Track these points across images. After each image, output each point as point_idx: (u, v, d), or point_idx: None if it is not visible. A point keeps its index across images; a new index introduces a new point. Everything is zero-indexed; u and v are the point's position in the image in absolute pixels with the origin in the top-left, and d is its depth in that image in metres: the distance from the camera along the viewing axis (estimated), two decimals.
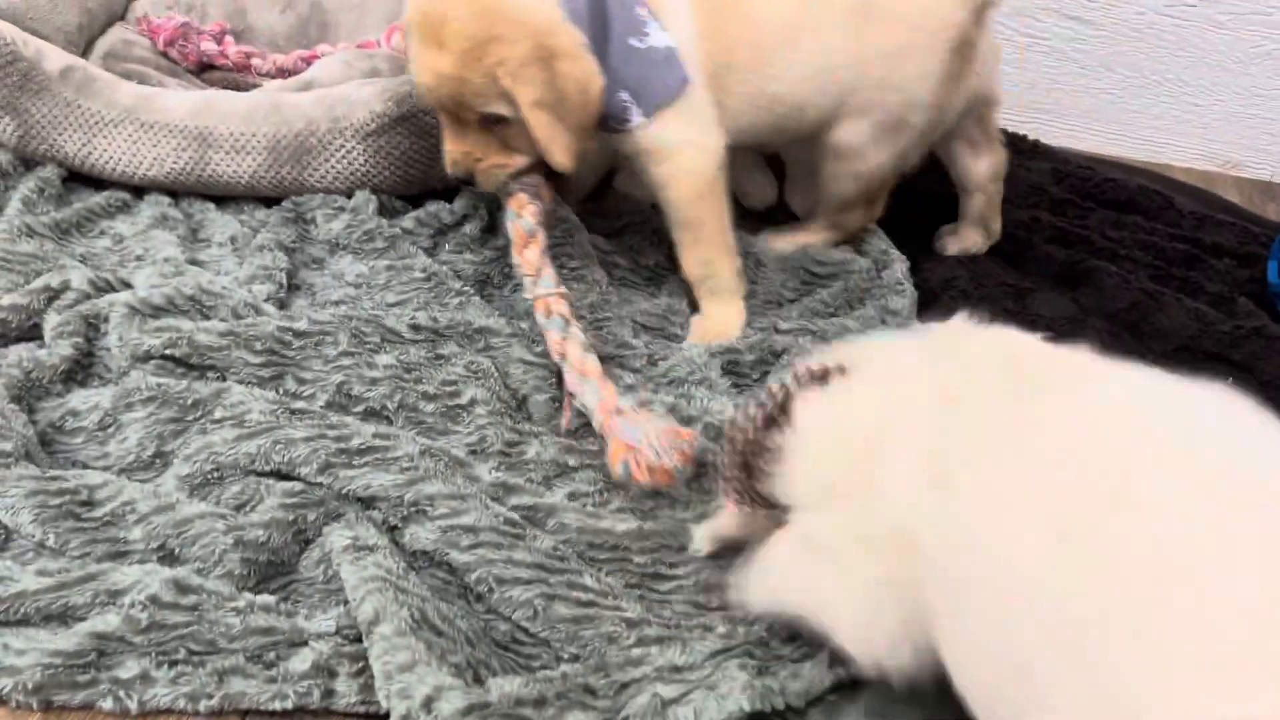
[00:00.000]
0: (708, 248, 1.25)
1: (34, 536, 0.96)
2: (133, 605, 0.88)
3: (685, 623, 0.93)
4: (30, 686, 0.83)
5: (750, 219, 1.47)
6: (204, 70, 1.65)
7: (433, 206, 1.38)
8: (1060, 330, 1.31)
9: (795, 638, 0.89)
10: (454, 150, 1.20)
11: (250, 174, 1.38)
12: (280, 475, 1.01)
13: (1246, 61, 1.68)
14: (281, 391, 1.10)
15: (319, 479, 1.00)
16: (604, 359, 1.16)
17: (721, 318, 1.27)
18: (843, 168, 1.31)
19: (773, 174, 1.55)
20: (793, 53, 1.21)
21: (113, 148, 1.39)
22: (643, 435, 1.01)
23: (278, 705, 0.85)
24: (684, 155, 1.21)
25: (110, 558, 0.95)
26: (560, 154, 1.15)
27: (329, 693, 0.86)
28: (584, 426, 1.11)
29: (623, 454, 1.01)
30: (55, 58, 1.41)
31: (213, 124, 1.37)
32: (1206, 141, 1.76)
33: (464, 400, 1.12)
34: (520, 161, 1.20)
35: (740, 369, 1.24)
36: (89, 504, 0.97)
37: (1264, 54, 1.68)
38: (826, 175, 1.33)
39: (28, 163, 1.42)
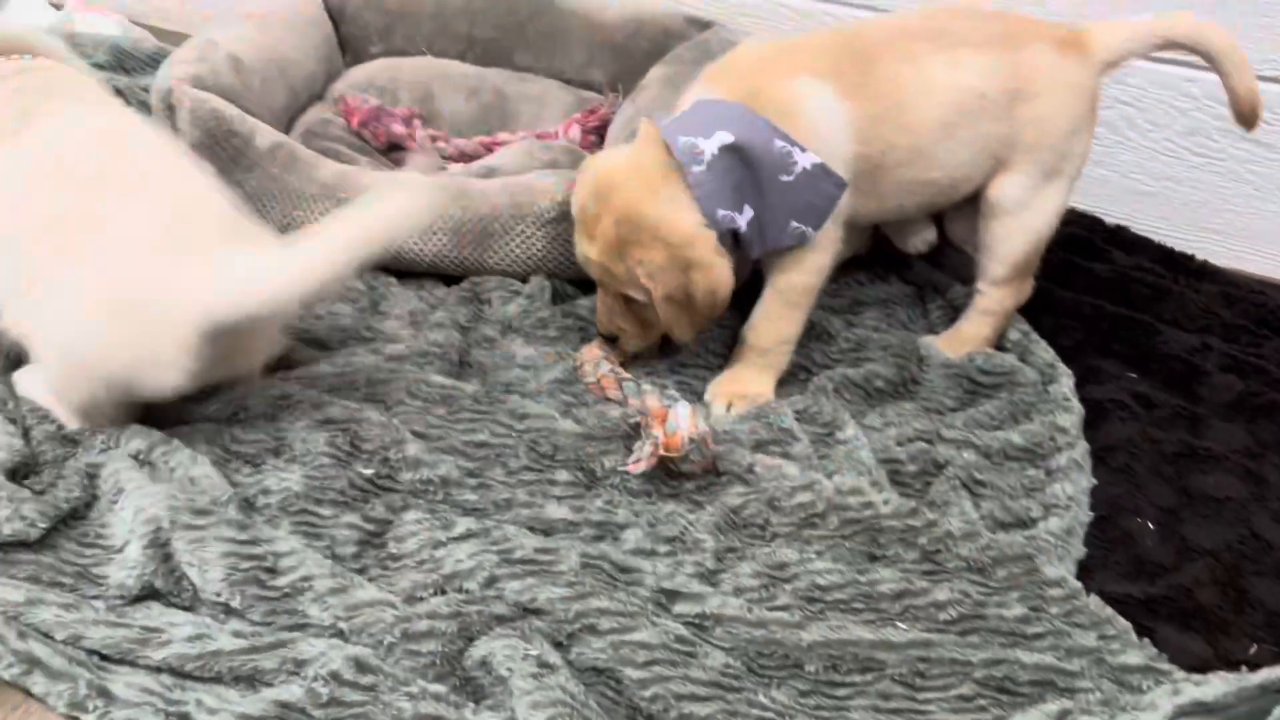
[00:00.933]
0: (790, 327, 1.35)
1: (220, 596, 1.01)
2: (315, 679, 0.93)
3: None
4: None
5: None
6: (392, 150, 1.76)
7: None
8: (1235, 466, 1.28)
9: None
10: (602, 313, 1.34)
11: (434, 253, 1.46)
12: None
13: None
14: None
15: (484, 591, 1.04)
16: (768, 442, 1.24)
17: (757, 382, 1.35)
18: (1007, 223, 1.36)
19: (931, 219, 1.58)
20: (949, 144, 1.31)
21: (312, 220, 1.49)
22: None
23: None
24: (818, 249, 1.30)
25: (290, 628, 1.01)
26: (683, 334, 1.30)
27: None
28: (744, 514, 1.13)
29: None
30: (266, 135, 1.52)
31: None
32: None
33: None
34: (654, 336, 1.34)
35: (902, 478, 1.24)
36: (273, 571, 1.03)
37: None
38: (993, 236, 1.38)
39: None
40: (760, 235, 1.27)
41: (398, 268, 1.50)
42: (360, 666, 0.94)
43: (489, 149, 1.72)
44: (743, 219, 1.25)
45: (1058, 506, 1.22)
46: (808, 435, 1.27)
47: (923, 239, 1.60)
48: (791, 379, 1.39)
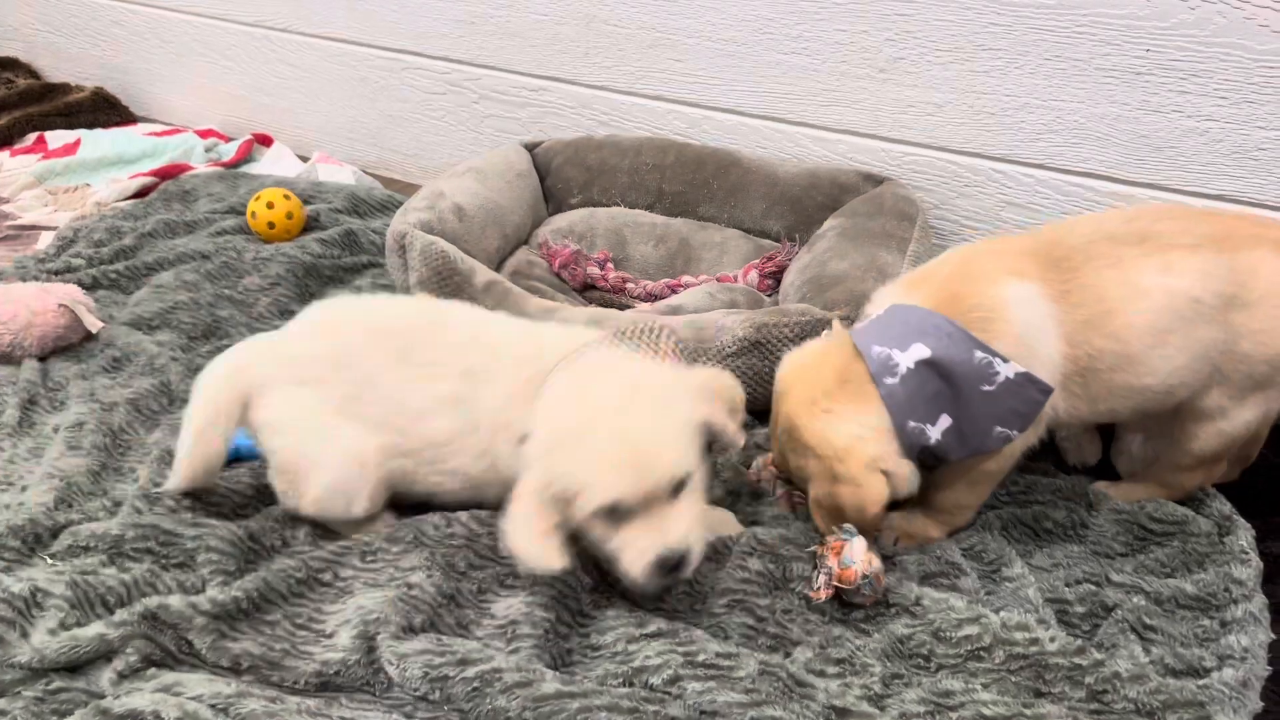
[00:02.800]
0: (971, 498, 1.37)
1: (418, 691, 1.13)
2: None
3: None
4: None
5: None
6: (586, 289, 1.94)
7: None
8: None
9: None
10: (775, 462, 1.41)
11: None
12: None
13: None
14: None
15: (667, 689, 1.12)
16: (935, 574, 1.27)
17: (929, 528, 1.38)
18: (1206, 427, 1.35)
19: (1098, 435, 1.59)
20: (1162, 350, 1.28)
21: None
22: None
23: None
24: (1011, 447, 1.30)
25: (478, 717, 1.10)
26: (823, 526, 1.31)
27: None
28: (910, 644, 1.18)
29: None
30: (482, 273, 1.72)
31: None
32: None
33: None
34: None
35: (1070, 618, 1.26)
36: (464, 663, 1.14)
37: None
38: (1186, 433, 1.37)
39: None
40: (960, 441, 1.28)
41: None
42: None
43: (673, 290, 1.87)
44: (935, 430, 1.26)
45: (1232, 658, 1.21)
46: (974, 571, 1.32)
47: (1086, 454, 1.57)
48: None
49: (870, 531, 1.29)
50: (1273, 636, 1.25)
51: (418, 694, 1.13)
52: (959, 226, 1.97)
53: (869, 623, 1.24)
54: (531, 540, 1.14)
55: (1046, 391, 1.25)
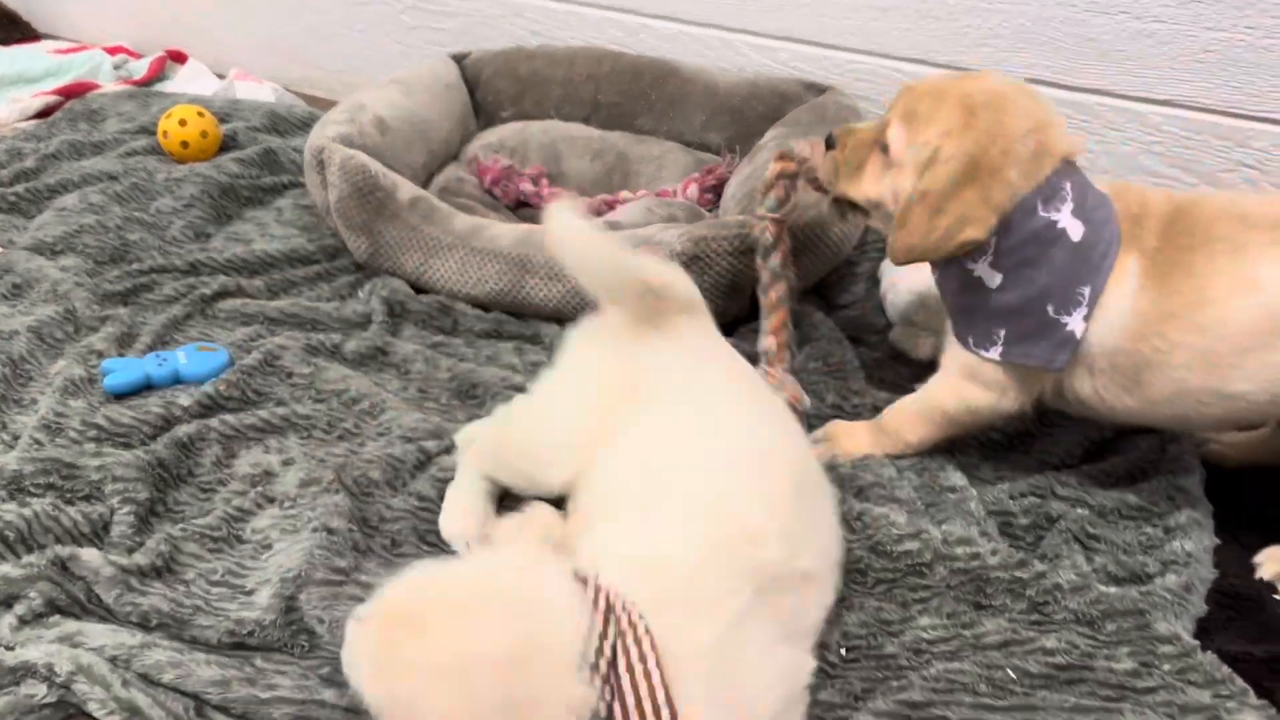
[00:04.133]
0: (913, 433, 1.30)
1: None
2: None
3: None
4: None
5: None
6: (519, 207, 1.86)
7: None
8: None
9: None
10: (850, 128, 1.25)
11: (559, 299, 1.54)
12: None
13: None
14: None
15: None
16: None
17: (868, 446, 1.32)
18: None
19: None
20: (1264, 356, 1.12)
21: (445, 268, 1.59)
22: None
23: None
24: (984, 386, 1.22)
25: None
26: (902, 244, 1.16)
27: None
28: (848, 560, 1.15)
29: None
30: (406, 189, 1.63)
31: (532, 253, 1.54)
32: None
33: None
34: (851, 187, 1.24)
35: (1014, 530, 1.24)
36: None
37: None
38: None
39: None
40: (971, 299, 1.18)
41: (525, 313, 1.58)
42: None
43: (610, 206, 1.80)
44: (992, 275, 1.15)
45: (1176, 563, 1.20)
46: (916, 484, 1.29)
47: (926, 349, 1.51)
48: None
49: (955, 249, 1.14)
50: (1217, 541, 1.24)
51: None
52: None
53: None
54: None
55: (1058, 368, 1.17)
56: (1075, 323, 1.14)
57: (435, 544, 1.19)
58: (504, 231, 1.58)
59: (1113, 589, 1.13)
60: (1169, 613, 1.13)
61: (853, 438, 1.34)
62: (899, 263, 1.19)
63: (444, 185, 1.84)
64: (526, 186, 1.84)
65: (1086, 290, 1.13)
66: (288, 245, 1.77)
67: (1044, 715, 1.00)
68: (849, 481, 1.28)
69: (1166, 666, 1.06)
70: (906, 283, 1.56)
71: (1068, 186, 1.14)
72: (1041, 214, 1.13)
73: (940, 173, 1.12)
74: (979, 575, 1.13)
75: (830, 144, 1.27)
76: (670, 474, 0.99)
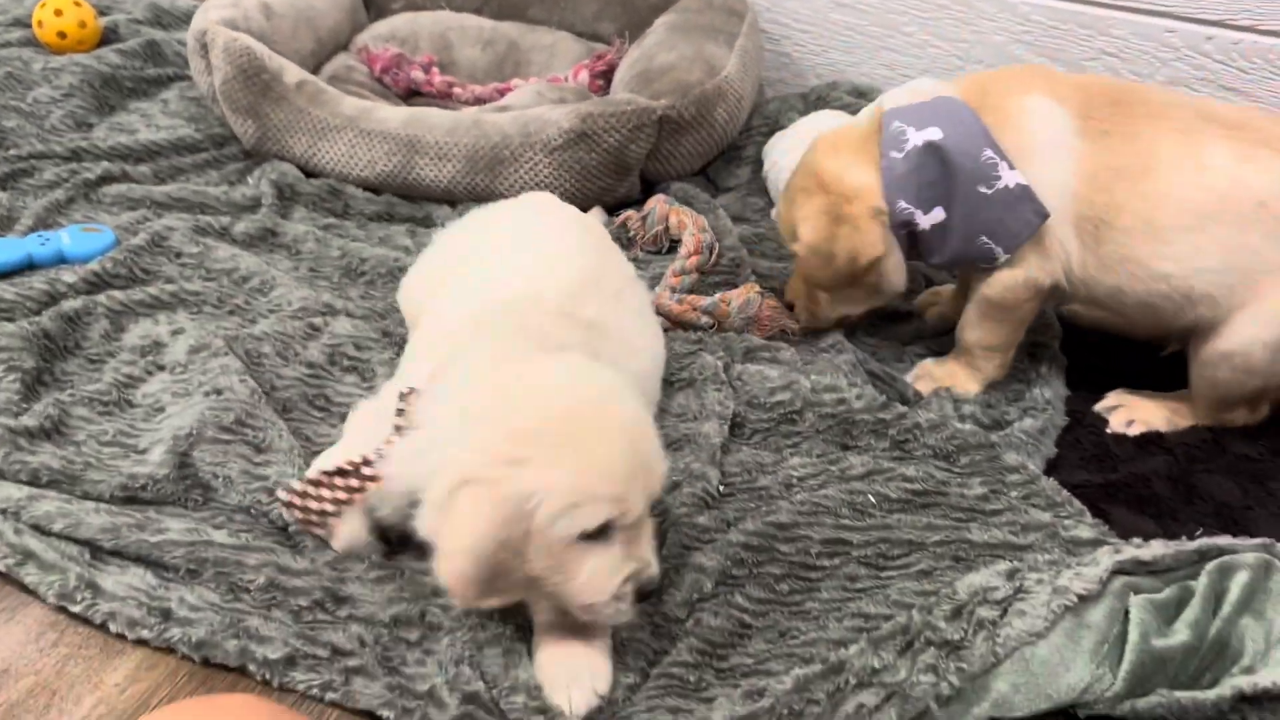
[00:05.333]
0: (989, 337, 1.30)
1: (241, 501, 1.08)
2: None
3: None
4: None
5: None
6: (411, 96, 1.86)
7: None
8: None
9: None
10: (791, 282, 1.38)
11: (449, 179, 1.56)
12: None
13: None
14: None
15: None
16: None
17: (960, 379, 1.33)
18: (1228, 373, 1.23)
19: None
20: (1195, 239, 1.16)
21: (334, 150, 1.59)
22: None
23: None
24: (1016, 267, 1.23)
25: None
26: (820, 283, 1.31)
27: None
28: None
29: None
30: (293, 72, 1.62)
31: (421, 134, 1.55)
32: None
33: None
34: (822, 312, 1.35)
35: (881, 387, 1.32)
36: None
37: None
38: (1207, 378, 1.25)
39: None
40: (944, 242, 1.24)
41: (416, 195, 1.60)
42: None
43: (502, 94, 1.81)
44: (926, 219, 1.23)
45: (1034, 409, 1.30)
46: (797, 348, 1.36)
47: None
48: None
49: (853, 286, 1.30)
50: (1068, 391, 1.34)
51: (238, 504, 1.08)
52: (789, 30, 1.96)
53: (688, 397, 1.26)
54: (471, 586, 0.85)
55: (1042, 214, 1.19)
56: (1010, 176, 1.19)
57: (325, 408, 1.22)
58: (392, 113, 1.59)
59: (967, 426, 1.22)
60: (1022, 451, 1.22)
61: (944, 367, 1.34)
62: (823, 317, 1.36)
63: (333, 74, 1.82)
64: (417, 74, 1.84)
65: (989, 150, 1.19)
66: (174, 134, 1.74)
67: (899, 533, 1.09)
68: (734, 345, 1.34)
69: (1013, 493, 1.15)
70: (787, 162, 1.62)
71: (894, 124, 1.23)
72: (904, 151, 1.21)
73: (812, 226, 1.25)
74: (845, 419, 1.21)
75: (790, 305, 1.39)
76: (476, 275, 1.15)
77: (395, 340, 1.30)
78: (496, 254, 1.18)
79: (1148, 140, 1.17)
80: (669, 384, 1.27)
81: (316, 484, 0.99)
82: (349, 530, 1.00)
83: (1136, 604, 0.97)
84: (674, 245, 1.51)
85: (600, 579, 0.87)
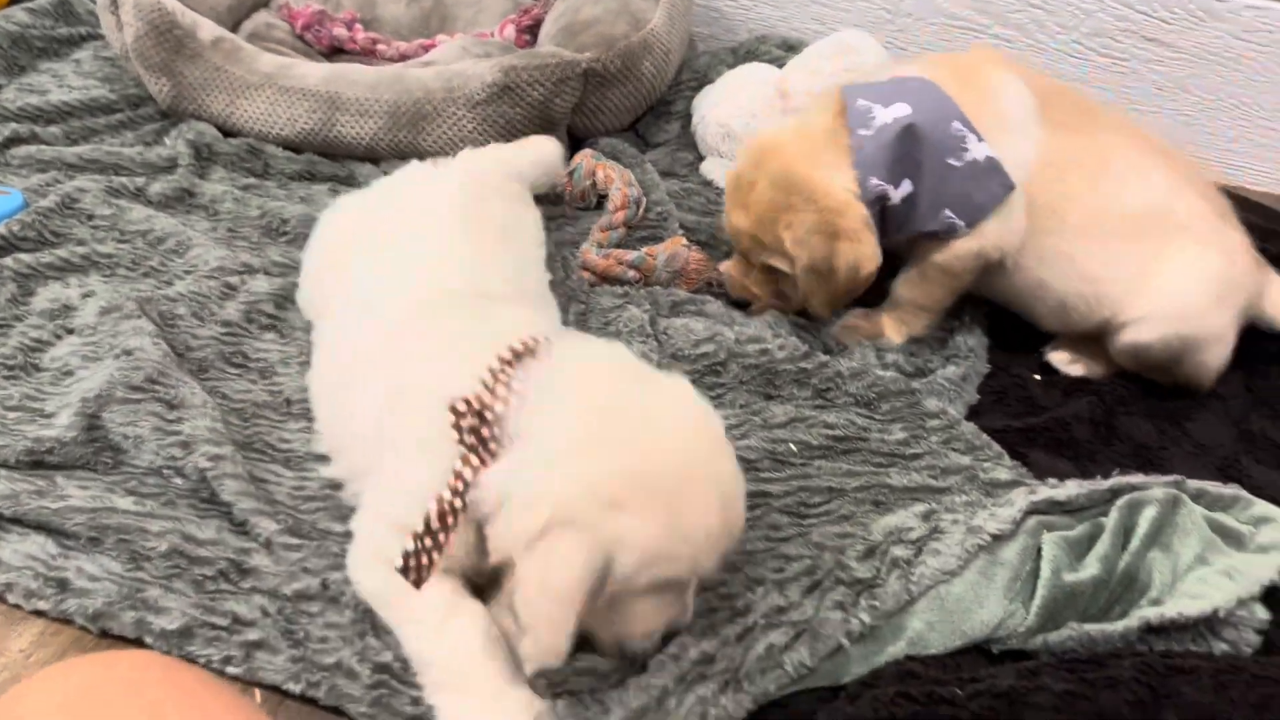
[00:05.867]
0: (924, 299, 1.31)
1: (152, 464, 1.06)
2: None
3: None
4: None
5: None
6: (334, 54, 1.82)
7: None
8: None
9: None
10: (736, 280, 1.34)
11: (371, 136, 1.53)
12: None
13: None
14: None
15: None
16: None
17: (882, 328, 1.33)
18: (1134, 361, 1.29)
19: None
20: (1117, 246, 1.24)
21: (253, 108, 1.55)
22: None
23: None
24: (973, 238, 1.25)
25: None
26: (820, 308, 1.27)
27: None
28: None
29: None
30: (208, 29, 1.58)
31: (342, 90, 1.52)
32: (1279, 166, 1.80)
33: None
34: (791, 307, 1.32)
35: (807, 339, 1.32)
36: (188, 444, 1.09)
37: None
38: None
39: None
40: (909, 216, 1.24)
41: (338, 153, 1.56)
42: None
43: (427, 50, 1.78)
44: (897, 193, 1.22)
45: (957, 356, 1.31)
46: (725, 302, 1.36)
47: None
48: None
49: (848, 297, 1.26)
50: (990, 341, 1.36)
51: (150, 467, 1.06)
52: None
53: None
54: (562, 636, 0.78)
55: (1008, 186, 1.21)
56: (978, 149, 1.21)
57: (242, 364, 1.20)
58: (312, 70, 1.55)
59: (888, 373, 1.23)
60: (944, 397, 1.23)
61: (872, 320, 1.34)
62: (829, 314, 1.29)
63: (253, 31, 1.77)
64: (340, 31, 1.80)
65: (957, 123, 1.21)
66: (87, 95, 1.68)
67: (819, 480, 1.09)
68: (660, 299, 1.33)
69: (933, 438, 1.17)
70: (715, 115, 1.61)
71: (859, 104, 1.22)
72: (873, 128, 1.20)
73: (810, 247, 1.21)
74: (768, 369, 1.21)
75: (743, 305, 1.34)
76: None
77: None
78: (398, 241, 1.12)
79: (1104, 145, 1.24)
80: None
81: (418, 542, 0.85)
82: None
83: (1049, 541, 0.99)
84: (602, 200, 1.50)
85: (646, 626, 0.84)
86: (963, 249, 1.25)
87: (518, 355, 0.88)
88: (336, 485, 1.04)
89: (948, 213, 1.22)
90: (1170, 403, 1.28)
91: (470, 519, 0.83)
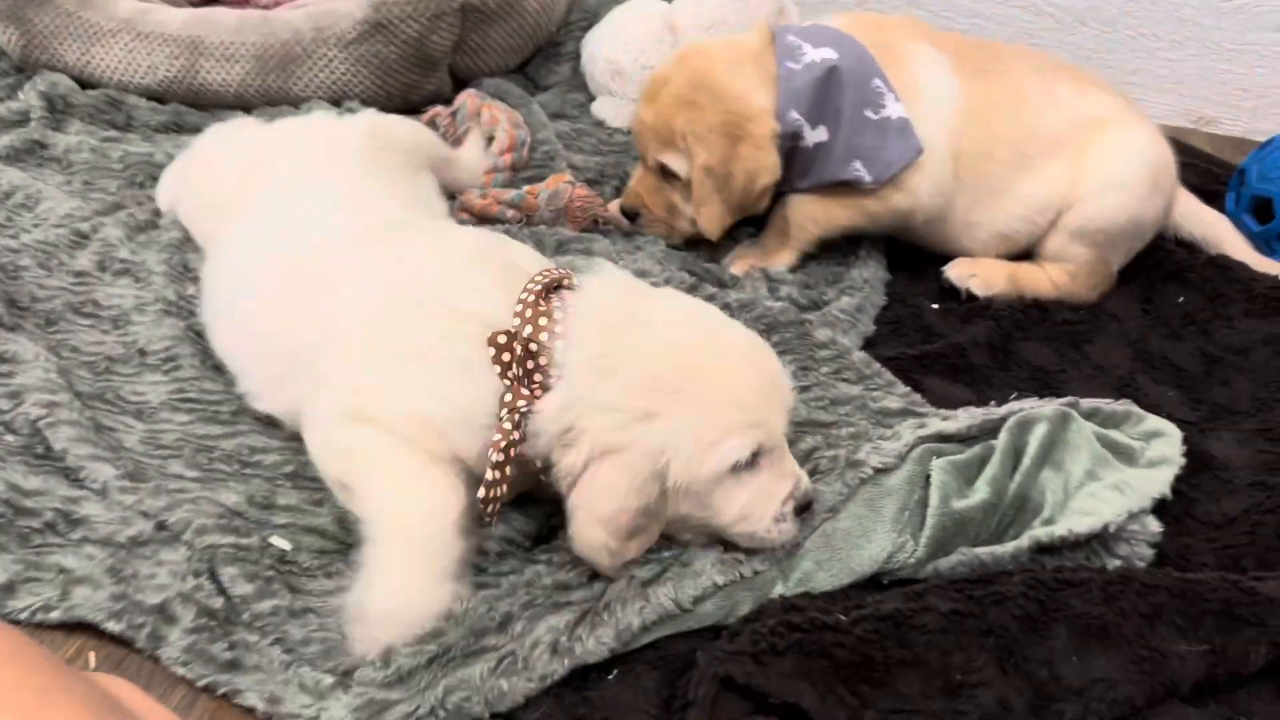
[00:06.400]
0: (811, 223, 1.30)
1: None
2: None
3: None
4: None
5: None
6: (206, 3, 1.72)
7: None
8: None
9: None
10: (633, 189, 1.30)
11: (238, 82, 1.44)
12: None
13: (1219, 16, 1.71)
14: None
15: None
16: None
17: (770, 252, 1.31)
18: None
19: None
20: (1051, 163, 1.28)
21: (110, 57, 1.46)
22: None
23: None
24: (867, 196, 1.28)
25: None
26: (708, 221, 1.24)
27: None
28: None
29: None
30: None
31: (204, 34, 1.43)
32: (1180, 98, 1.79)
33: None
34: (678, 227, 1.29)
35: (699, 274, 1.28)
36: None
37: (1235, 8, 1.71)
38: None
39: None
40: (818, 163, 1.24)
41: (204, 102, 1.48)
42: None
43: None
44: (812, 135, 1.22)
45: (853, 288, 1.27)
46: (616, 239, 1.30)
47: None
48: None
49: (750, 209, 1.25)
50: (889, 275, 1.32)
51: None
52: None
53: None
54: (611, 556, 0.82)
55: (918, 149, 1.23)
56: (895, 107, 1.23)
57: (93, 314, 1.12)
58: (172, 14, 1.46)
59: (778, 304, 1.19)
60: (838, 328, 1.20)
61: (759, 246, 1.31)
62: (717, 234, 1.26)
63: None
64: None
65: (876, 80, 1.23)
66: None
67: None
68: (545, 239, 1.28)
69: (823, 368, 1.13)
70: (604, 52, 1.55)
71: (789, 39, 1.24)
72: (801, 63, 1.22)
73: (709, 146, 1.20)
74: None
75: (630, 214, 1.30)
76: None
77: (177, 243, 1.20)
78: (330, 177, 1.07)
79: (1015, 78, 1.28)
80: None
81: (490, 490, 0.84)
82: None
83: (937, 467, 0.95)
84: (489, 143, 1.43)
85: (759, 507, 0.85)
86: (862, 206, 1.27)
87: (549, 288, 0.88)
88: (195, 436, 0.97)
89: (857, 164, 1.24)
90: (1069, 326, 1.26)
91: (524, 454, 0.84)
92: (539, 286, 0.87)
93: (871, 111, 1.22)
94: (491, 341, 0.83)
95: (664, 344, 0.85)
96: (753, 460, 0.85)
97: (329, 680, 0.77)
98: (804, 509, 0.88)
